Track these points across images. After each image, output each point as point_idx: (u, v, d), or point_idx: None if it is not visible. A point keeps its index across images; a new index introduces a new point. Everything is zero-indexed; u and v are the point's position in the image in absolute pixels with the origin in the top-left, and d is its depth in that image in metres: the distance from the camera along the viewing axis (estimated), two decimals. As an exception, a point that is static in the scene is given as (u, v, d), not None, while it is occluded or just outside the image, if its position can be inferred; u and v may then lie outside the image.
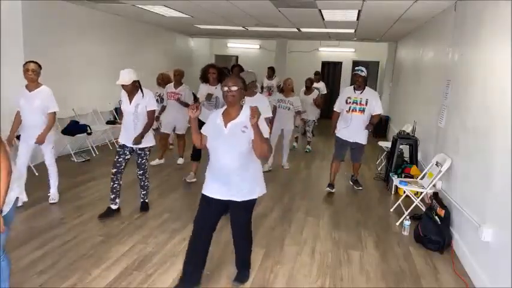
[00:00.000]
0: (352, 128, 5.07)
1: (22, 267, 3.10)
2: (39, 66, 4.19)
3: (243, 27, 8.80)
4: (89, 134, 6.64)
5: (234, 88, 2.56)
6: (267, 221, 4.28)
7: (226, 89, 2.57)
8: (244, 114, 2.62)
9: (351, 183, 5.66)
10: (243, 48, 13.63)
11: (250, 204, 2.80)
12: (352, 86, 5.14)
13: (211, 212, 2.77)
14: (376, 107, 5.04)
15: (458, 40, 4.36)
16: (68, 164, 6.18)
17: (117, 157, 4.09)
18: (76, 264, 3.18)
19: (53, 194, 4.53)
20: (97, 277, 3.00)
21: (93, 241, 3.59)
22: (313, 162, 7.07)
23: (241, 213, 2.83)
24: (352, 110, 5.02)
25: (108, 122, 7.55)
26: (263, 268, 3.26)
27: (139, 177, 4.29)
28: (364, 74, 5.00)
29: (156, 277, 3.04)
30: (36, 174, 5.46)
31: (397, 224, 4.33)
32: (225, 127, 2.61)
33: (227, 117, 2.65)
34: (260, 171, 2.83)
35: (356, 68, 5.15)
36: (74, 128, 6.41)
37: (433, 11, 5.41)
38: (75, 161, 6.27)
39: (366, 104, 4.98)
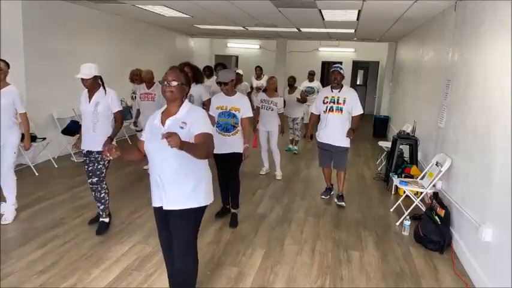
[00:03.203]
0: (329, 130, 4.71)
1: (22, 267, 3.10)
2: (8, 65, 3.90)
3: (243, 27, 8.80)
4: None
5: (174, 83, 2.28)
6: (267, 221, 4.28)
7: (165, 83, 2.28)
8: (185, 109, 2.35)
9: (335, 199, 5.01)
10: (243, 48, 13.65)
11: (188, 215, 2.35)
12: (330, 86, 4.78)
13: (164, 224, 2.45)
14: (356, 107, 4.66)
15: (458, 40, 4.36)
16: (68, 164, 6.19)
17: (86, 167, 3.72)
18: (76, 264, 3.18)
19: (7, 212, 3.95)
20: (97, 277, 3.00)
21: (93, 241, 3.59)
22: (313, 162, 7.06)
23: (177, 224, 2.37)
24: (329, 110, 4.66)
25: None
26: (263, 268, 3.26)
27: (94, 186, 3.74)
28: (343, 71, 4.70)
29: (156, 277, 3.04)
30: (36, 174, 5.46)
31: (397, 224, 4.33)
32: (163, 125, 2.32)
33: (166, 115, 2.36)
34: (205, 177, 2.43)
35: (334, 65, 4.79)
36: (73, 128, 6.42)
37: (433, 11, 5.41)
38: (75, 161, 6.27)
39: (344, 103, 4.62)
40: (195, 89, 5.02)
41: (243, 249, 3.58)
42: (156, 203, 2.41)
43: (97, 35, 7.39)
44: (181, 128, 2.28)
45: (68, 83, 6.42)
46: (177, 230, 2.38)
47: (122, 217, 4.15)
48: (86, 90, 3.67)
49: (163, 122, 2.34)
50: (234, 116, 3.96)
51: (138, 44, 8.83)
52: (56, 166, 5.97)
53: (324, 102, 4.74)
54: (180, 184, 2.32)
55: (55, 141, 6.13)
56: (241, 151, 4.04)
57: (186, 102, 2.40)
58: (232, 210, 4.23)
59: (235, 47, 13.73)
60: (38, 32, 5.93)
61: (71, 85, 6.85)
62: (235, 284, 3.01)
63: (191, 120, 2.31)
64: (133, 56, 8.54)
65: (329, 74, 4.78)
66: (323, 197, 5.15)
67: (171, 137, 1.93)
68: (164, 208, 2.36)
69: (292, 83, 7.53)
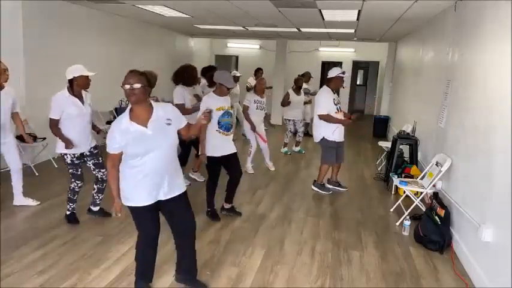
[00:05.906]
0: (341, 129, 5.15)
1: (22, 267, 3.10)
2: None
3: (243, 27, 8.80)
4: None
5: (137, 86, 2.34)
6: (267, 221, 4.28)
7: (128, 87, 2.34)
8: (159, 107, 2.49)
9: (339, 188, 5.45)
10: (243, 48, 13.63)
11: (185, 195, 2.71)
12: (331, 89, 5.08)
13: (155, 217, 2.80)
14: None
15: (458, 40, 4.36)
16: (68, 164, 6.18)
17: (80, 170, 3.89)
18: (76, 264, 3.18)
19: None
20: (97, 277, 3.01)
21: (93, 241, 3.59)
22: (313, 162, 7.06)
23: (183, 205, 2.79)
24: (340, 110, 5.15)
25: (108, 123, 7.56)
26: (263, 268, 3.26)
27: (104, 176, 3.98)
28: None
29: (156, 277, 3.03)
30: (37, 174, 5.46)
31: (397, 224, 4.33)
32: (146, 127, 2.48)
33: (139, 118, 2.45)
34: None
35: (342, 71, 5.08)
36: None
37: (433, 11, 5.41)
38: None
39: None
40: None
41: (243, 249, 3.59)
42: (150, 200, 2.56)
43: (97, 35, 7.39)
44: (169, 124, 2.49)
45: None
46: (185, 210, 2.75)
47: (122, 217, 4.13)
48: (67, 95, 3.80)
49: (143, 125, 2.40)
50: (231, 114, 4.13)
51: (138, 44, 8.82)
52: (56, 166, 5.96)
53: (335, 104, 5.07)
54: (177, 174, 2.66)
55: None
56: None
57: (151, 100, 2.50)
58: (232, 205, 4.38)
59: (235, 47, 13.71)
60: (38, 32, 5.93)
61: (71, 85, 6.79)
62: (235, 284, 3.01)
63: (172, 115, 2.52)
64: (133, 56, 8.53)
65: (336, 78, 5.07)
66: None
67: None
68: (165, 198, 2.58)
69: (301, 85, 7.50)
